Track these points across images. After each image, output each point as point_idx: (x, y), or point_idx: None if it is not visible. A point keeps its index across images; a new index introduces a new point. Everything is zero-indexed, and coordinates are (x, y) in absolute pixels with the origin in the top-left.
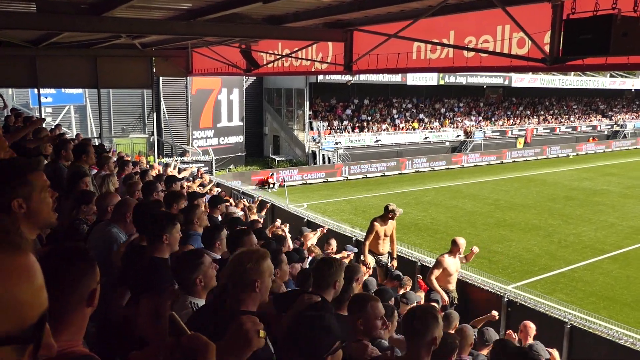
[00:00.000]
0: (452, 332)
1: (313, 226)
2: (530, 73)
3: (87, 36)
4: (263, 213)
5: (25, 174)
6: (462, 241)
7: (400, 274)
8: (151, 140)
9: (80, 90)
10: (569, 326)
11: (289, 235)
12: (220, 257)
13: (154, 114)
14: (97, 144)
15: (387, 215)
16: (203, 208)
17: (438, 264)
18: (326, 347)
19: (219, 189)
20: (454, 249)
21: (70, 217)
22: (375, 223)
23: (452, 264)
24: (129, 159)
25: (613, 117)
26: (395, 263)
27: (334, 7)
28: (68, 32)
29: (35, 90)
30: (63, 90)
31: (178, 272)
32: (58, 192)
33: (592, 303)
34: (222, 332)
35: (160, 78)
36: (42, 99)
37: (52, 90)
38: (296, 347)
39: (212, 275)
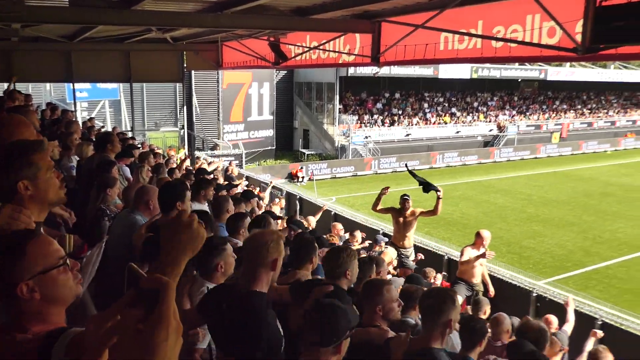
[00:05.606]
0: (483, 317)
1: (341, 220)
2: (568, 66)
3: (120, 30)
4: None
5: (29, 155)
6: (486, 234)
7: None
8: (181, 133)
9: (115, 85)
10: (600, 322)
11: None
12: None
13: (185, 108)
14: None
15: (402, 204)
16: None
17: (461, 255)
18: (343, 331)
19: (247, 182)
20: (477, 241)
21: (95, 206)
22: (393, 208)
23: (475, 256)
24: (160, 151)
25: None
26: (419, 256)
27: None
28: (101, 26)
29: (71, 85)
30: (98, 85)
31: (201, 256)
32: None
33: (628, 300)
34: (235, 311)
35: (192, 72)
36: (78, 94)
37: (88, 85)
38: (315, 329)
39: (232, 263)
